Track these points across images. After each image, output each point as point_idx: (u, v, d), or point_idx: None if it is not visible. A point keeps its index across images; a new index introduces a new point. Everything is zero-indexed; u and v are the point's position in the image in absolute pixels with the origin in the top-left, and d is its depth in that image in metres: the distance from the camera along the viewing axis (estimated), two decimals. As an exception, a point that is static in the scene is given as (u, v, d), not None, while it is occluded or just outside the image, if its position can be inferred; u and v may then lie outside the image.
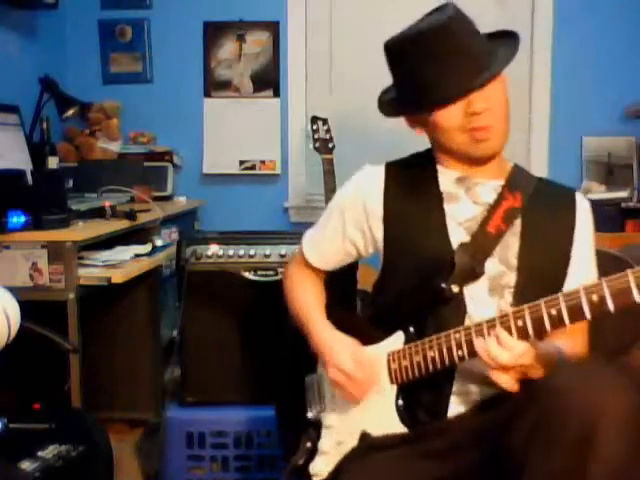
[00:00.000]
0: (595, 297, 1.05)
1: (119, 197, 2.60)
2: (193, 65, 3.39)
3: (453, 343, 1.18)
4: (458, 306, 1.26)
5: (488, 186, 1.33)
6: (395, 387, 1.28)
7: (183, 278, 2.01)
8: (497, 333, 1.12)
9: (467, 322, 1.24)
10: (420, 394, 1.27)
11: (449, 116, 1.26)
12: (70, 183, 2.78)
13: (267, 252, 2.02)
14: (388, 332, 1.31)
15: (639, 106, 3.08)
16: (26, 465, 1.42)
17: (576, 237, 1.33)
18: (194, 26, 3.36)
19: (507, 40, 1.32)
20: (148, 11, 3.36)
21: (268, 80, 3.39)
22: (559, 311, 1.08)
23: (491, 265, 1.28)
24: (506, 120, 1.29)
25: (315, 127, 2.82)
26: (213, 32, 3.37)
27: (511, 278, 1.28)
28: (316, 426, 1.38)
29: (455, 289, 1.24)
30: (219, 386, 2.05)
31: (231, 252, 2.03)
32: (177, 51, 3.38)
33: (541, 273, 1.29)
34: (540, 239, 1.31)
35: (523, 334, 1.11)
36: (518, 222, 1.30)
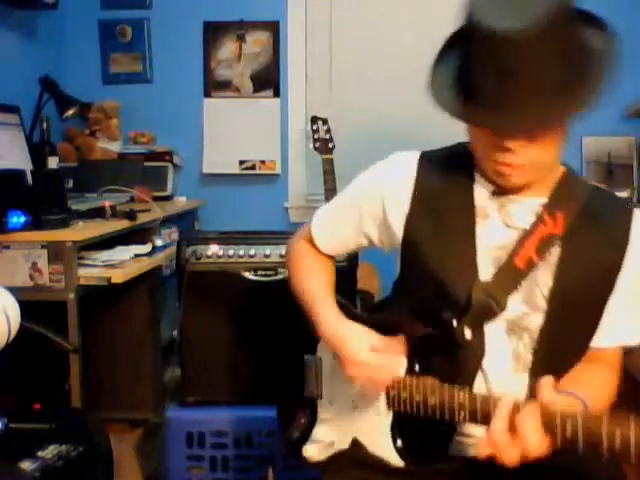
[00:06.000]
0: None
1: (119, 197, 2.60)
2: (193, 65, 3.38)
3: (456, 406, 1.03)
4: (472, 352, 1.10)
5: (526, 205, 1.11)
6: (391, 412, 1.17)
7: (183, 278, 2.01)
8: (521, 424, 0.91)
9: (482, 365, 1.12)
10: (418, 428, 1.14)
11: (476, 136, 1.08)
12: (70, 183, 2.77)
13: (267, 252, 2.02)
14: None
15: (639, 106, 3.08)
16: (26, 465, 1.42)
17: (626, 264, 1.10)
18: (194, 26, 3.36)
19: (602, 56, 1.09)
20: (148, 11, 3.36)
21: (268, 80, 3.39)
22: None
23: (512, 304, 1.10)
24: (547, 163, 1.08)
25: (315, 127, 2.82)
26: (213, 32, 3.37)
27: (534, 320, 1.10)
28: (312, 406, 1.34)
29: (468, 334, 1.08)
30: (219, 386, 2.05)
31: (231, 252, 2.03)
32: (177, 51, 3.38)
33: (574, 314, 1.10)
34: (580, 272, 1.09)
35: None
36: (556, 252, 1.09)
